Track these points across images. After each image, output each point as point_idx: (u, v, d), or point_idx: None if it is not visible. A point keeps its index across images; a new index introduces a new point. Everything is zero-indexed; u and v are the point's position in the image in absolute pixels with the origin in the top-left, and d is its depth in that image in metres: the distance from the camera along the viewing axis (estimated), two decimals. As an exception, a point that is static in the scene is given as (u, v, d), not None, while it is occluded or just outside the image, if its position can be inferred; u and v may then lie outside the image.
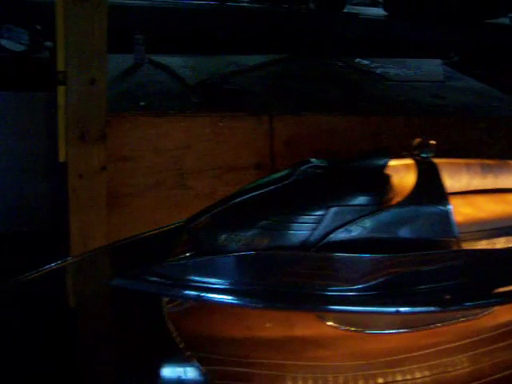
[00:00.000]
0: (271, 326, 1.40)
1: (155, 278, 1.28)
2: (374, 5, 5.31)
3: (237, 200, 1.27)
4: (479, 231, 1.43)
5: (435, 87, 3.19)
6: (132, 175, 2.42)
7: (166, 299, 1.39)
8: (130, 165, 2.41)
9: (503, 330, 1.44)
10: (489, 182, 1.50)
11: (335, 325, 1.39)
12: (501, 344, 1.40)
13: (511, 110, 2.94)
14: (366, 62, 3.62)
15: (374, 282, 1.28)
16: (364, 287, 1.28)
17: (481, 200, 1.52)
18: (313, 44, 4.20)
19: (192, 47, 3.65)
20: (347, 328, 1.38)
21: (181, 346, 1.30)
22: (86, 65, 2.01)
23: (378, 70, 3.43)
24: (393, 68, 3.53)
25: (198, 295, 1.24)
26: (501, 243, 1.45)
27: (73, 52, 1.98)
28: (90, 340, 1.37)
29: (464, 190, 1.48)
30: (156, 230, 1.71)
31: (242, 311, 1.41)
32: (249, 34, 4.22)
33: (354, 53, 4.15)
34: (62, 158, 2.15)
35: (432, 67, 3.65)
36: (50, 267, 1.55)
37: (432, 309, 1.33)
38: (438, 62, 3.84)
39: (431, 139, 1.42)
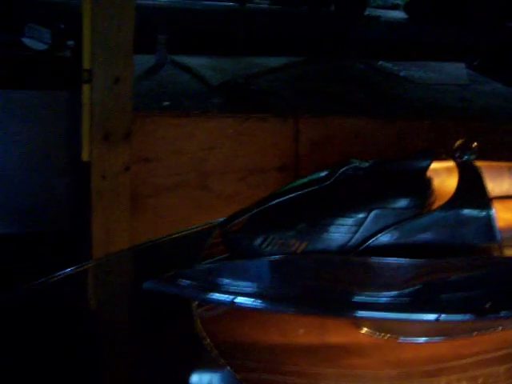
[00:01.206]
0: (305, 332, 1.36)
1: (188, 282, 1.24)
2: (395, 8, 5.26)
3: (274, 202, 1.23)
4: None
5: (460, 90, 3.14)
6: (154, 176, 2.39)
7: (196, 303, 1.35)
8: (153, 165, 2.38)
9: None
10: (531, 186, 1.45)
11: (370, 332, 1.35)
12: None
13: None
14: (388, 64, 3.57)
15: (414, 288, 1.23)
16: (404, 293, 1.23)
17: (521, 205, 1.48)
18: (333, 46, 4.17)
19: (212, 48, 3.62)
20: (383, 335, 1.34)
21: (213, 352, 1.26)
22: (112, 63, 1.98)
23: (402, 73, 3.38)
24: (416, 71, 3.48)
25: (233, 300, 1.21)
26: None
27: (99, 50, 1.95)
28: (118, 345, 1.33)
29: (505, 194, 1.44)
30: (182, 231, 1.68)
31: (275, 316, 1.37)
32: (269, 35, 4.19)
33: (374, 55, 4.13)
34: (85, 158, 2.12)
35: (456, 70, 3.60)
36: (74, 269, 1.53)
37: (474, 317, 1.29)
38: (462, 65, 3.78)
39: (471, 142, 1.38)
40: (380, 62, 3.58)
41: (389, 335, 1.33)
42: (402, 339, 1.34)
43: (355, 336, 1.35)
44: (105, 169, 2.11)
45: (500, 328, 1.36)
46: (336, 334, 1.36)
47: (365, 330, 1.35)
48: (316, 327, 1.37)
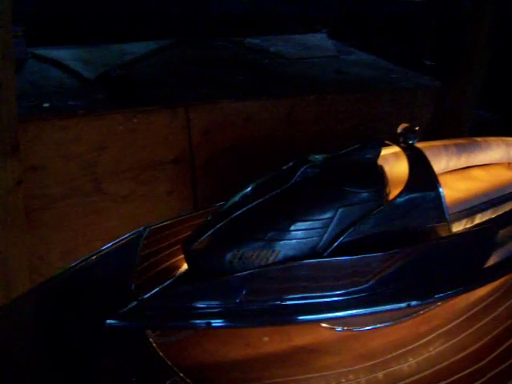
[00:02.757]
0: (270, 340, 1.31)
1: (152, 312, 1.13)
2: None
3: (236, 213, 1.15)
4: (460, 212, 1.43)
5: (332, 62, 3.19)
6: (44, 185, 2.18)
7: (151, 332, 1.25)
8: (41, 174, 2.16)
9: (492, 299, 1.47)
10: (463, 161, 1.50)
11: (329, 327, 1.33)
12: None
13: (408, 80, 3.01)
14: (255, 41, 3.54)
15: (384, 279, 1.23)
16: (375, 286, 1.22)
17: (451, 179, 1.53)
18: (193, 26, 4.05)
19: (72, 37, 3.37)
20: (340, 329, 1.33)
21: (182, 380, 1.18)
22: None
23: (272, 49, 3.37)
24: (283, 45, 3.48)
25: (209, 322, 1.12)
26: (477, 220, 1.46)
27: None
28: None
29: (443, 171, 1.47)
30: (100, 250, 1.52)
31: (238, 329, 1.31)
32: (123, 19, 3.98)
33: (230, 32, 4.08)
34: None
35: (321, 42, 3.65)
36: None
37: (443, 297, 1.31)
38: (324, 36, 3.85)
39: (414, 126, 1.38)
40: (247, 40, 3.55)
41: (345, 328, 1.33)
42: (356, 330, 1.34)
43: (317, 333, 1.33)
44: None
45: (439, 304, 1.40)
46: (299, 334, 1.33)
47: (324, 325, 1.33)
48: (278, 332, 1.33)
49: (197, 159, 2.49)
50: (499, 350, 1.31)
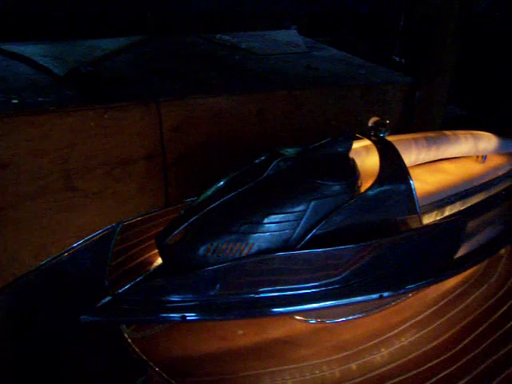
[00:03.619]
0: (244, 333, 1.32)
1: (127, 306, 1.13)
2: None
3: (209, 207, 1.16)
4: (430, 204, 1.45)
5: (303, 58, 3.21)
6: (13, 183, 2.16)
7: (126, 327, 1.25)
8: (10, 171, 2.14)
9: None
10: (432, 154, 1.52)
11: (302, 319, 1.34)
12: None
13: (378, 76, 3.04)
14: (227, 37, 3.55)
15: (356, 271, 1.24)
16: (346, 278, 1.24)
17: (421, 172, 1.55)
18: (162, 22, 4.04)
19: (39, 32, 3.33)
20: (319, 320, 1.34)
21: (156, 373, 1.18)
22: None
23: (243, 45, 3.37)
24: (254, 41, 3.49)
25: (183, 315, 1.13)
26: (447, 212, 1.49)
27: None
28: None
29: (413, 164, 1.49)
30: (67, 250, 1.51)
31: (212, 324, 1.32)
32: (94, 15, 3.94)
33: (201, 28, 4.09)
34: None
35: (291, 38, 3.67)
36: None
37: (413, 288, 1.33)
38: (295, 32, 3.87)
39: (384, 119, 1.40)
40: (219, 36, 3.54)
41: (319, 320, 1.34)
42: (329, 321, 1.35)
43: (291, 326, 1.34)
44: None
45: (410, 295, 1.43)
46: (273, 326, 1.34)
47: (297, 317, 1.34)
48: (252, 325, 1.34)
49: (168, 155, 2.48)
50: (469, 339, 1.34)
